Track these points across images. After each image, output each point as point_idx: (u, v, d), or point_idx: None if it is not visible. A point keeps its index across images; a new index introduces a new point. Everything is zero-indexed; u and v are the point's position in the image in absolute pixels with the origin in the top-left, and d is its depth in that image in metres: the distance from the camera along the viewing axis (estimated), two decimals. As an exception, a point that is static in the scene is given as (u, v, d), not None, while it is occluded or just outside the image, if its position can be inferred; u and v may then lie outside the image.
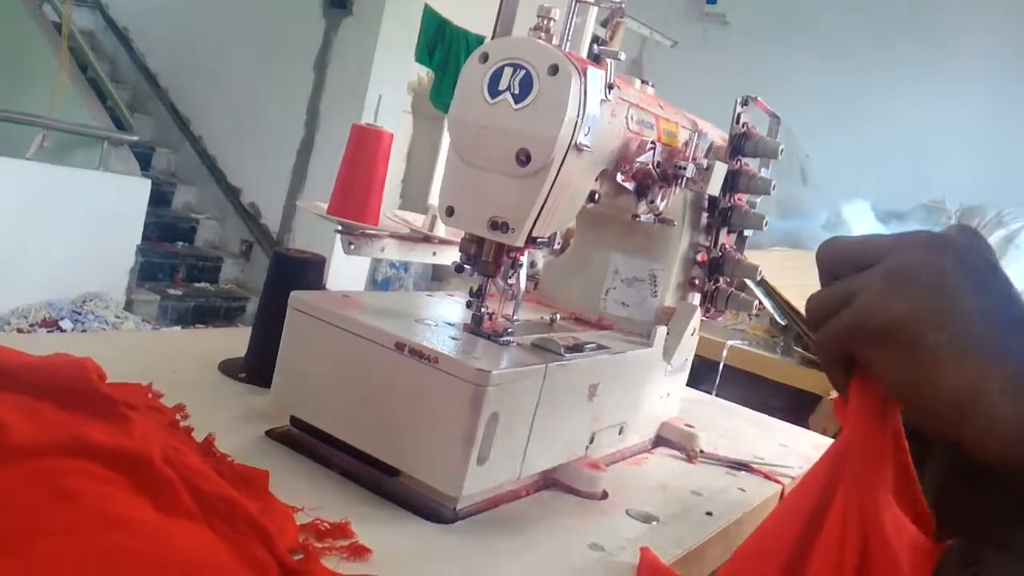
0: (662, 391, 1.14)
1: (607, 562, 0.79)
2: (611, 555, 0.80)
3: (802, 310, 2.12)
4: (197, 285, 4.98)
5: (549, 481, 0.93)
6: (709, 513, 0.96)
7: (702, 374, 2.18)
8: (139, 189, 4.34)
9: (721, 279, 1.15)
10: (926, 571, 0.48)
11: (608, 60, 0.84)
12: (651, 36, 3.46)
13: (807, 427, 1.78)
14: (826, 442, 1.47)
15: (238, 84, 5.27)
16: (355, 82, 4.68)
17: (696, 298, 1.16)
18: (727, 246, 1.15)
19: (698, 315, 1.12)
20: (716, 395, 1.81)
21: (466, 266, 0.89)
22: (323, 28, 4.88)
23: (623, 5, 0.87)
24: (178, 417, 0.73)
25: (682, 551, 0.85)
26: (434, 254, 1.31)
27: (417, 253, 1.29)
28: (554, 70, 0.80)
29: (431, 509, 0.79)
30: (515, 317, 0.90)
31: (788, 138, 1.18)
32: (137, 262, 4.38)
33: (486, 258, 0.87)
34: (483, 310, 0.89)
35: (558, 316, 1.07)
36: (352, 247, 1.17)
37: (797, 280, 2.22)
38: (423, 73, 6.10)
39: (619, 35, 1.08)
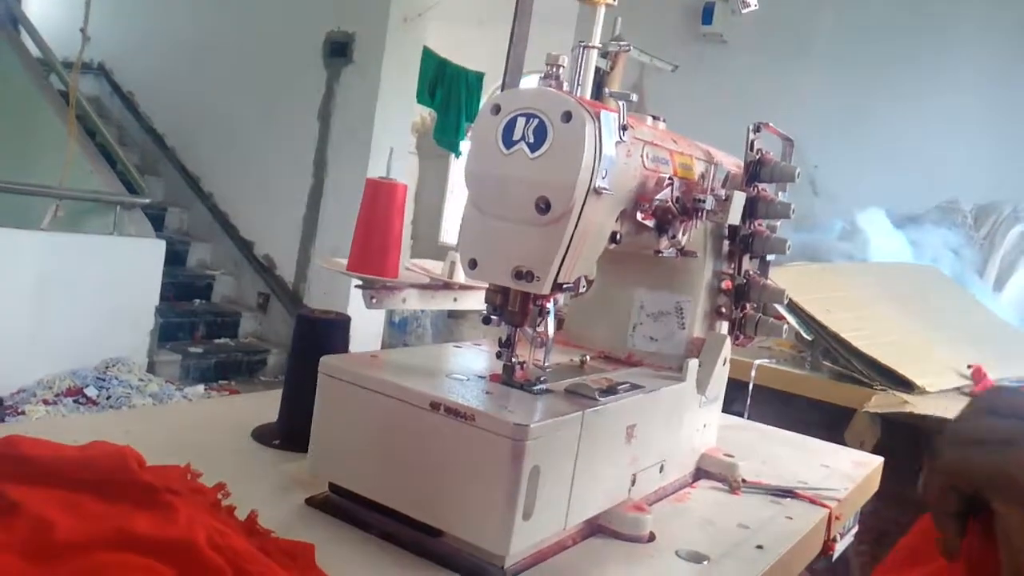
0: (699, 423, 1.12)
1: (662, 610, 0.77)
2: (665, 602, 0.78)
3: (827, 323, 2.10)
4: (217, 341, 5.00)
5: (594, 528, 0.91)
6: (760, 547, 0.94)
7: (731, 395, 2.15)
8: (154, 250, 4.38)
9: (748, 305, 1.14)
10: None
11: (620, 102, 0.84)
12: (651, 62, 3.48)
13: (842, 442, 1.75)
14: (866, 458, 1.45)
15: (245, 139, 5.33)
16: (360, 128, 4.73)
17: (724, 326, 1.15)
18: (751, 272, 1.14)
19: (728, 344, 1.11)
20: (748, 417, 1.79)
21: (493, 317, 0.89)
22: (325, 78, 4.95)
23: (630, 46, 0.87)
24: (219, 496, 0.72)
25: (736, 591, 0.83)
26: (455, 300, 1.30)
27: (438, 301, 1.28)
28: (567, 117, 0.80)
29: (479, 569, 0.77)
30: (546, 364, 0.89)
31: (794, 150, 1.17)
32: (156, 323, 4.41)
33: (512, 308, 0.87)
34: (513, 360, 0.88)
35: (588, 356, 1.07)
36: (374, 301, 1.17)
37: (819, 293, 2.21)
38: (425, 113, 6.17)
39: (620, 65, 1.09)
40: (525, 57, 1.01)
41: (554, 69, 0.84)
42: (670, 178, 0.93)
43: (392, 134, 4.73)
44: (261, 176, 5.28)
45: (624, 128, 0.84)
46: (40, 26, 5.09)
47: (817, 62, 4.09)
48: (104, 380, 3.97)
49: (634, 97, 0.84)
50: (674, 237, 0.96)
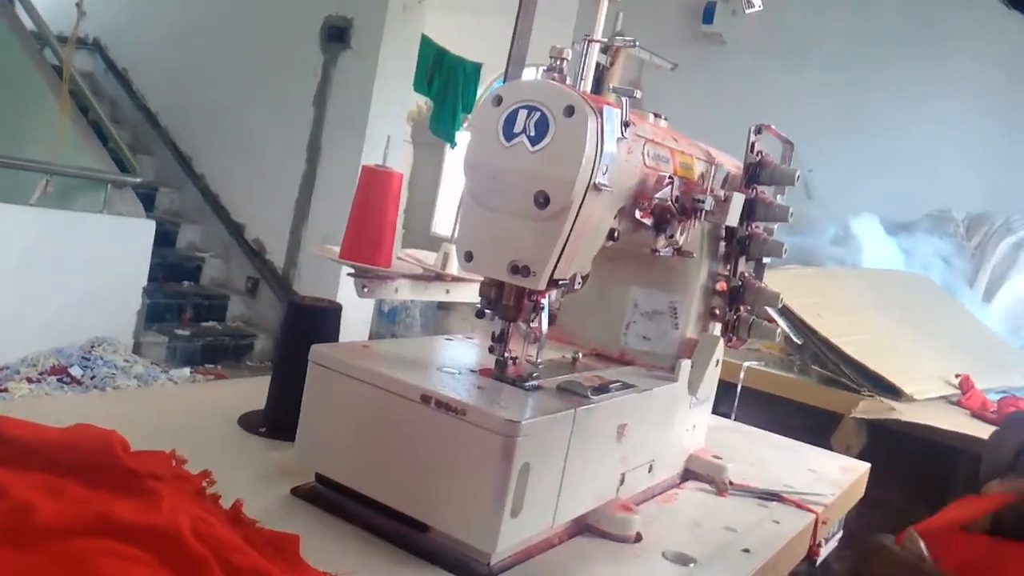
0: (688, 424, 1.12)
1: (647, 612, 0.76)
2: (651, 604, 0.78)
3: (817, 328, 2.10)
4: (204, 324, 4.97)
5: (581, 527, 0.91)
6: (746, 550, 0.94)
7: (719, 396, 2.15)
8: (144, 230, 4.34)
9: (742, 308, 1.14)
10: None
11: (623, 98, 0.83)
12: (651, 60, 3.46)
13: (828, 446, 1.75)
14: (853, 464, 1.45)
15: (239, 121, 5.29)
16: (355, 115, 4.70)
17: (717, 328, 1.14)
18: (746, 275, 1.14)
19: (721, 346, 1.11)
20: (735, 418, 1.79)
21: (487, 311, 0.88)
22: (322, 62, 4.91)
23: (635, 41, 0.86)
24: (204, 484, 0.71)
25: (722, 595, 0.82)
26: (447, 292, 1.29)
27: (431, 292, 1.27)
28: (570, 111, 0.79)
29: (464, 566, 0.77)
30: (538, 361, 0.88)
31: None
32: (144, 304, 4.38)
33: (507, 302, 0.86)
34: (506, 355, 0.88)
35: (580, 354, 1.06)
36: (366, 290, 1.16)
37: (810, 298, 2.21)
38: (422, 102, 6.14)
39: (620, 61, 1.08)
40: (526, 51, 1.00)
41: (557, 62, 0.83)
42: (670, 177, 0.92)
43: (388, 122, 4.70)
44: (254, 159, 5.24)
45: (626, 124, 0.84)
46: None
47: (815, 66, 4.09)
48: (89, 360, 3.94)
49: (638, 93, 0.83)
50: (672, 237, 0.96)
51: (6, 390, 3.56)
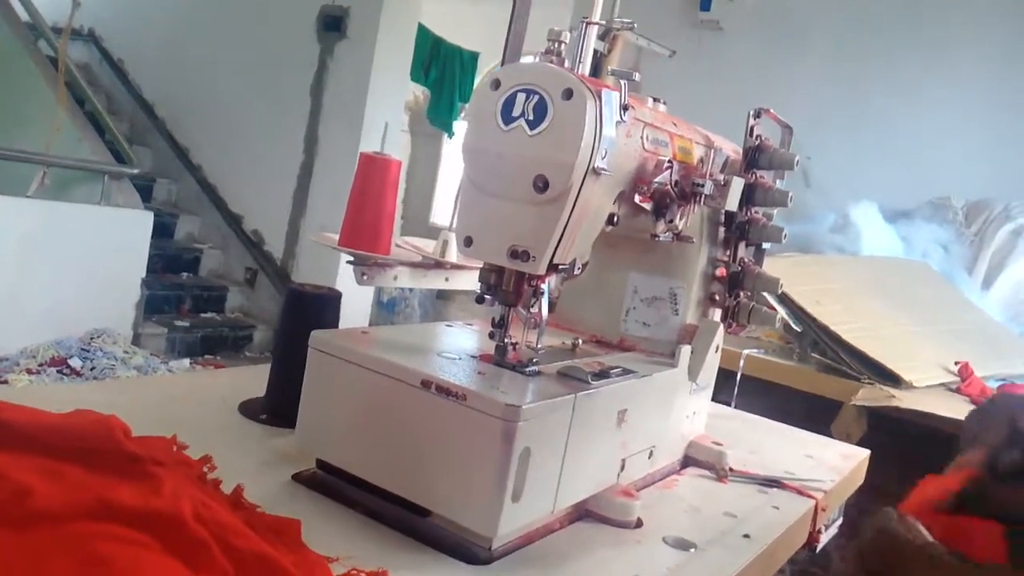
0: (688, 410, 1.12)
1: (648, 595, 0.77)
2: (652, 588, 0.78)
3: (817, 315, 2.10)
4: (203, 315, 4.96)
5: (582, 512, 0.91)
6: (746, 535, 0.94)
7: (719, 384, 2.15)
8: (142, 221, 4.33)
9: (742, 293, 1.14)
10: None
11: (622, 81, 0.83)
12: (649, 47, 3.45)
13: (829, 434, 1.75)
14: (853, 451, 1.45)
15: (235, 111, 5.27)
16: (352, 104, 4.68)
17: (717, 314, 1.14)
18: (746, 260, 1.13)
19: (721, 332, 1.10)
20: (735, 406, 1.79)
21: (487, 296, 0.88)
22: (318, 52, 4.89)
23: (634, 24, 0.86)
24: (205, 469, 0.71)
25: (723, 579, 0.83)
26: (447, 279, 1.29)
27: (430, 279, 1.27)
28: (568, 94, 0.79)
29: (465, 550, 0.77)
30: (539, 346, 0.88)
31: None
32: (143, 295, 4.37)
33: (507, 287, 0.86)
34: (506, 340, 0.87)
35: (580, 340, 1.06)
36: (365, 278, 1.15)
37: (810, 285, 2.21)
38: (419, 92, 6.12)
39: (618, 48, 1.08)
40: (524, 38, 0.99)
41: (556, 45, 0.83)
42: (669, 161, 0.92)
43: (385, 111, 4.68)
44: (251, 150, 5.22)
45: (625, 108, 0.83)
46: (30, -10, 5.00)
47: (814, 53, 4.07)
48: (88, 351, 3.94)
49: (636, 76, 0.83)
50: (671, 221, 0.95)
51: (6, 381, 3.56)
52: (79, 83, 4.83)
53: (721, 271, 1.13)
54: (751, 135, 1.07)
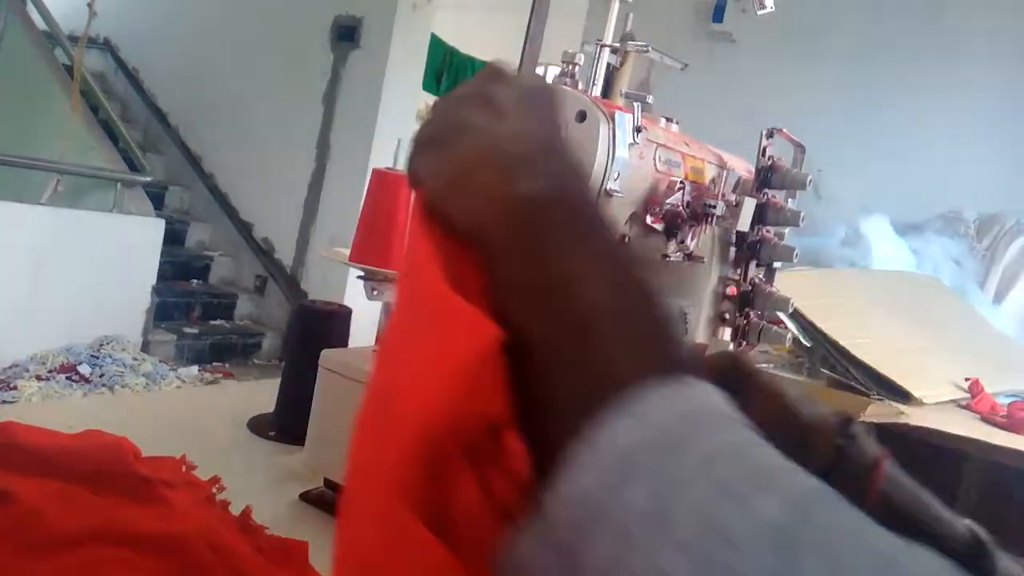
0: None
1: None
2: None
3: (827, 330, 2.09)
4: (213, 323, 4.98)
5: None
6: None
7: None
8: (153, 229, 4.36)
9: (752, 313, 1.13)
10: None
11: (635, 103, 0.83)
12: (661, 60, 3.46)
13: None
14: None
15: (248, 120, 5.30)
16: (364, 114, 4.70)
17: (727, 333, 1.13)
18: (756, 279, 1.13)
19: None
20: (745, 422, 1.78)
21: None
22: (331, 61, 4.92)
23: (648, 47, 0.86)
24: (214, 490, 0.71)
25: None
26: (457, 295, 1.29)
27: (440, 295, 1.27)
28: (582, 117, 0.79)
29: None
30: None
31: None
32: (153, 303, 4.39)
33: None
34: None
35: (589, 359, 1.05)
36: (376, 293, 1.16)
37: (820, 300, 2.20)
38: (431, 101, 6.13)
39: (629, 61, 1.08)
40: (539, 51, 0.99)
41: (569, 67, 0.83)
42: (681, 182, 0.92)
43: (397, 121, 4.70)
44: (263, 158, 5.25)
45: (638, 130, 0.83)
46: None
47: (826, 65, 4.07)
48: (98, 358, 3.95)
49: (650, 99, 0.83)
50: (683, 242, 0.95)
51: (15, 387, 3.58)
52: (94, 91, 4.87)
53: (731, 290, 1.13)
54: (763, 155, 1.07)
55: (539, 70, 1.00)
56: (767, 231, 1.11)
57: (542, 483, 0.32)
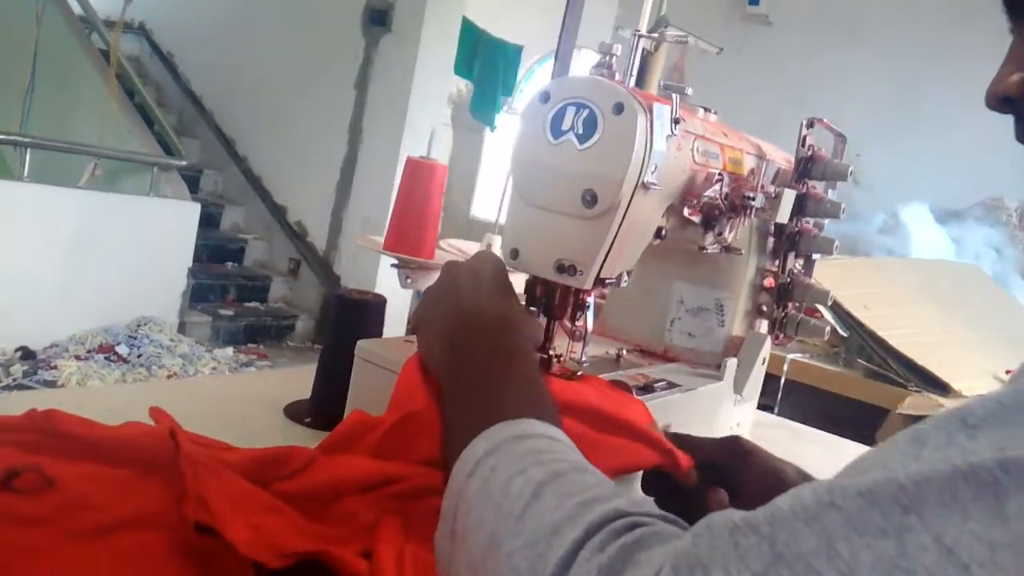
0: (732, 422, 1.11)
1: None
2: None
3: (864, 320, 2.07)
4: (247, 305, 5.04)
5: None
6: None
7: (762, 388, 2.13)
8: (189, 212, 4.42)
9: (790, 305, 1.12)
10: None
11: (674, 95, 0.81)
12: (695, 43, 3.42)
13: (874, 441, 1.73)
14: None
15: (281, 104, 5.34)
16: (396, 98, 4.71)
17: (764, 325, 1.12)
18: (795, 271, 1.12)
19: (768, 344, 1.09)
20: (778, 411, 1.77)
21: (531, 308, 0.87)
22: (363, 45, 4.92)
23: (687, 38, 0.85)
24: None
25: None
26: (490, 283, 1.29)
27: (473, 283, 1.27)
28: (619, 109, 0.78)
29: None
30: (583, 358, 0.88)
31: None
32: (189, 284, 4.45)
33: (552, 300, 0.86)
34: (550, 352, 0.87)
35: (624, 350, 1.05)
36: (409, 281, 1.16)
37: (857, 289, 2.17)
38: (462, 85, 6.12)
39: (664, 45, 1.06)
40: (576, 34, 0.98)
41: (607, 58, 0.82)
42: (720, 173, 0.90)
43: (429, 105, 4.70)
44: (296, 142, 5.28)
45: (676, 122, 0.82)
46: (83, -16, 5.11)
47: (866, 48, 3.99)
48: (135, 339, 4.02)
49: (689, 91, 0.81)
50: (720, 234, 0.94)
51: (55, 367, 3.66)
52: (129, 76, 4.93)
53: (769, 282, 1.11)
54: (803, 145, 1.05)
55: (574, 54, 0.99)
56: (806, 222, 1.09)
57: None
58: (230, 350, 4.46)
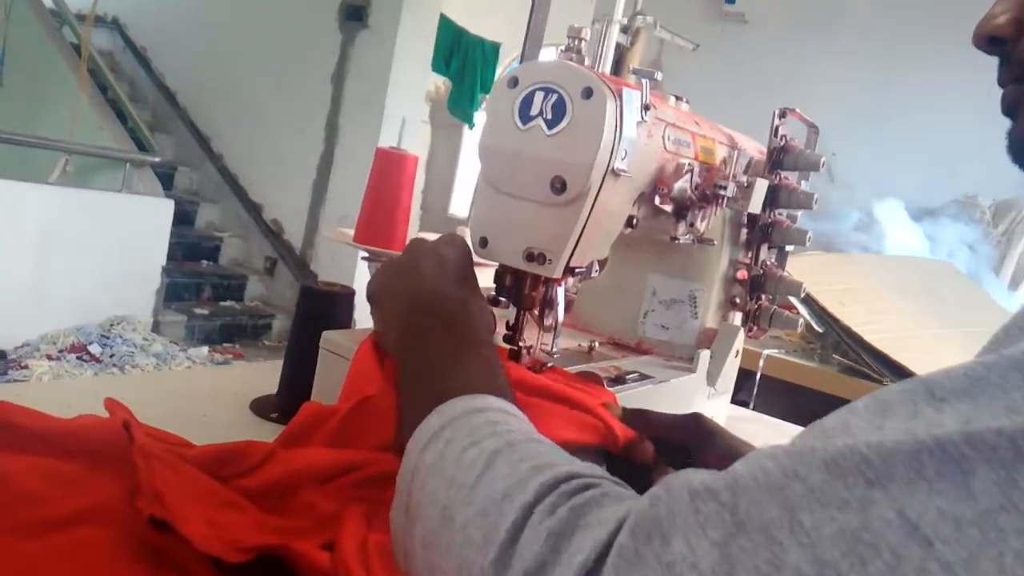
0: (706, 415, 1.09)
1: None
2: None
3: (839, 316, 2.07)
4: (223, 304, 4.99)
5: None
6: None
7: (737, 384, 2.13)
8: (163, 209, 4.36)
9: (763, 297, 1.11)
10: None
11: (644, 80, 0.80)
12: (671, 40, 3.42)
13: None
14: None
15: (257, 100, 5.28)
16: (373, 95, 4.68)
17: (738, 318, 1.12)
18: (768, 263, 1.11)
19: (742, 336, 1.08)
20: (754, 407, 1.76)
21: (501, 299, 0.86)
22: (339, 42, 4.88)
23: (658, 22, 0.83)
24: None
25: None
26: (463, 277, 1.27)
27: (446, 277, 1.25)
28: (588, 93, 0.77)
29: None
30: (554, 349, 0.86)
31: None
32: (163, 283, 4.40)
33: (522, 290, 0.84)
34: (520, 344, 0.86)
35: (596, 342, 1.04)
36: (380, 274, 1.14)
37: (833, 285, 2.17)
38: (440, 82, 6.10)
39: (640, 42, 1.05)
40: (544, 29, 0.97)
41: (575, 42, 0.81)
42: (691, 162, 0.89)
43: (406, 102, 4.67)
44: (272, 139, 5.23)
45: (646, 108, 0.81)
46: (54, -23, 5.03)
47: (841, 47, 4.01)
48: (108, 338, 3.97)
49: (659, 75, 0.80)
50: (692, 224, 0.93)
51: (26, 366, 3.59)
52: (102, 70, 4.86)
53: (742, 274, 1.11)
54: (776, 135, 1.05)
55: (543, 51, 0.98)
56: (779, 214, 1.09)
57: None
58: (205, 349, 4.41)
